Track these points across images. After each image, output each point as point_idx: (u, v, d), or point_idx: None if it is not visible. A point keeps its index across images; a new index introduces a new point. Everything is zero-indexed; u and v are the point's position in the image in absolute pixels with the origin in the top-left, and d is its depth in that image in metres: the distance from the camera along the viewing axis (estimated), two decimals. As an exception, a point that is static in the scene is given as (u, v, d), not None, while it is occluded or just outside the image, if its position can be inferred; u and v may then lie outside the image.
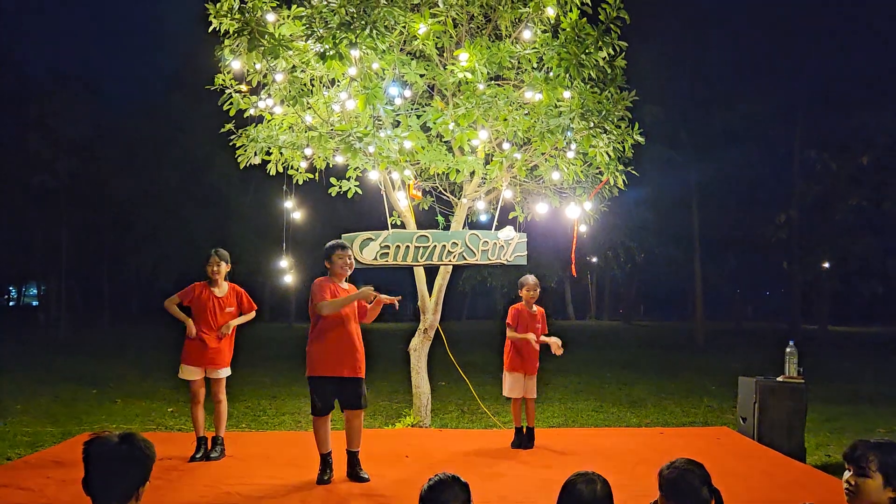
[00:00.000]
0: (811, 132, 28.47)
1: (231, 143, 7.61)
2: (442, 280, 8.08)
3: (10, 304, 51.64)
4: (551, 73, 6.75)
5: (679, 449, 6.67)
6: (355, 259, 7.22)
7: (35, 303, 48.20)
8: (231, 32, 6.76)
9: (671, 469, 2.73)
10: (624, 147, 7.15)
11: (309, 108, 7.15)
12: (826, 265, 31.02)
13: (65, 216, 28.08)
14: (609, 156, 7.01)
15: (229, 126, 7.55)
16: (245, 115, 7.39)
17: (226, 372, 6.32)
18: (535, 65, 6.99)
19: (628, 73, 7.29)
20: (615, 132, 7.00)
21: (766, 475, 5.89)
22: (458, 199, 8.04)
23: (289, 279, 8.23)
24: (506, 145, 7.22)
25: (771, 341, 22.21)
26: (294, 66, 6.88)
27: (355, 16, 6.35)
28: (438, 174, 7.62)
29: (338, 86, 7.17)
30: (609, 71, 7.08)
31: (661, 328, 33.74)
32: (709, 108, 25.35)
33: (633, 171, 7.57)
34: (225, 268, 6.31)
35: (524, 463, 6.27)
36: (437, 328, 8.08)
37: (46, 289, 34.80)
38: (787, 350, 7.26)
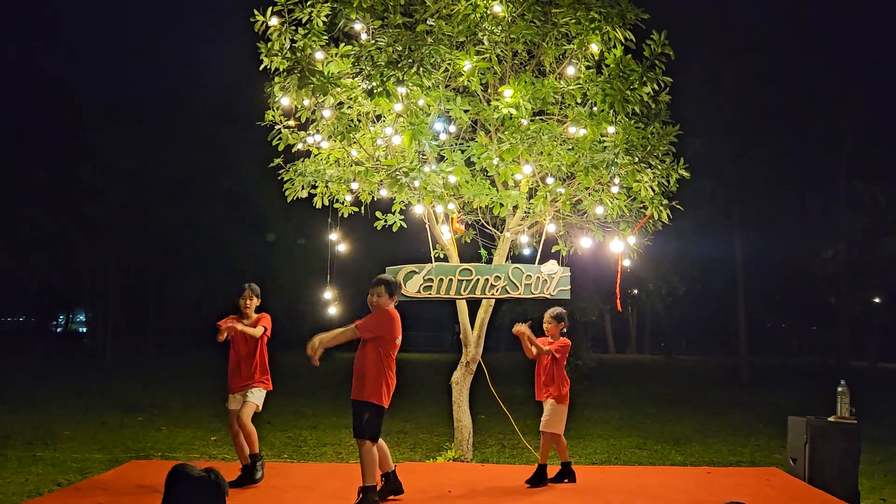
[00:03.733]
0: (857, 163, 27.92)
1: (279, 177, 7.78)
2: (484, 313, 8.08)
3: (58, 329, 52.92)
4: (595, 109, 6.79)
5: (728, 489, 6.54)
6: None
7: (82, 329, 49.28)
8: (281, 70, 6.95)
9: None
10: (669, 181, 7.13)
11: (355, 142, 7.29)
12: (876, 300, 30.21)
13: (113, 245, 28.80)
14: (653, 190, 6.99)
15: (278, 161, 7.73)
16: (293, 150, 7.57)
17: (253, 396, 6.35)
18: (578, 100, 7.03)
19: (670, 105, 7.29)
20: (660, 167, 6.99)
21: (818, 519, 5.72)
22: (502, 232, 8.07)
23: (333, 311, 8.31)
24: (549, 180, 7.25)
25: (819, 378, 21.65)
26: (341, 103, 7.04)
27: (402, 54, 6.49)
28: (482, 208, 7.67)
29: (384, 121, 7.29)
30: (653, 106, 7.09)
31: (703, 363, 33.09)
32: (752, 140, 25.08)
33: (678, 206, 7.52)
34: (256, 301, 6.48)
35: (567, 500, 6.19)
36: (479, 361, 8.06)
37: (93, 315, 35.62)
38: (839, 389, 7.08)
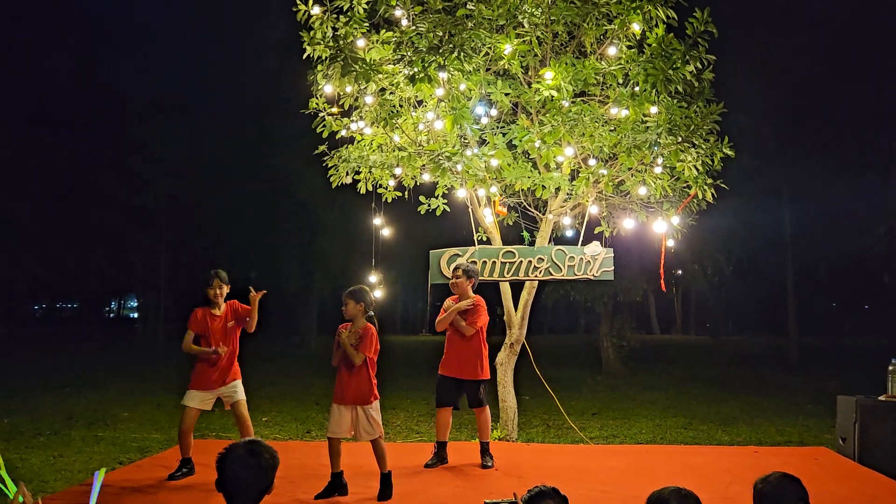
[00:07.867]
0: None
1: (324, 164, 7.92)
2: (528, 295, 8.14)
3: (111, 316, 54.55)
4: (637, 89, 6.76)
5: (775, 468, 6.44)
6: (442, 273, 7.45)
7: (133, 315, 50.73)
8: (324, 59, 7.07)
9: (765, 483, 2.71)
10: (713, 160, 7.07)
11: (398, 128, 7.38)
12: (931, 277, 29.36)
13: (163, 234, 29.56)
14: (697, 169, 6.95)
15: (322, 148, 7.87)
16: (337, 137, 7.70)
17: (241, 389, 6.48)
18: (620, 81, 7.01)
19: (714, 83, 7.22)
20: (703, 146, 6.93)
21: (868, 498, 5.68)
22: (544, 214, 8.10)
23: (378, 294, 8.46)
24: (591, 161, 7.26)
25: (870, 358, 21.18)
26: (383, 89, 7.14)
27: (443, 39, 6.55)
28: (524, 190, 7.71)
29: (425, 106, 7.37)
30: (696, 84, 7.03)
31: (751, 343, 32.59)
32: (799, 115, 24.47)
33: (723, 185, 7.45)
34: (226, 289, 6.31)
35: (613, 479, 6.25)
36: (524, 343, 8.14)
37: (145, 302, 36.60)
38: (890, 368, 6.98)
